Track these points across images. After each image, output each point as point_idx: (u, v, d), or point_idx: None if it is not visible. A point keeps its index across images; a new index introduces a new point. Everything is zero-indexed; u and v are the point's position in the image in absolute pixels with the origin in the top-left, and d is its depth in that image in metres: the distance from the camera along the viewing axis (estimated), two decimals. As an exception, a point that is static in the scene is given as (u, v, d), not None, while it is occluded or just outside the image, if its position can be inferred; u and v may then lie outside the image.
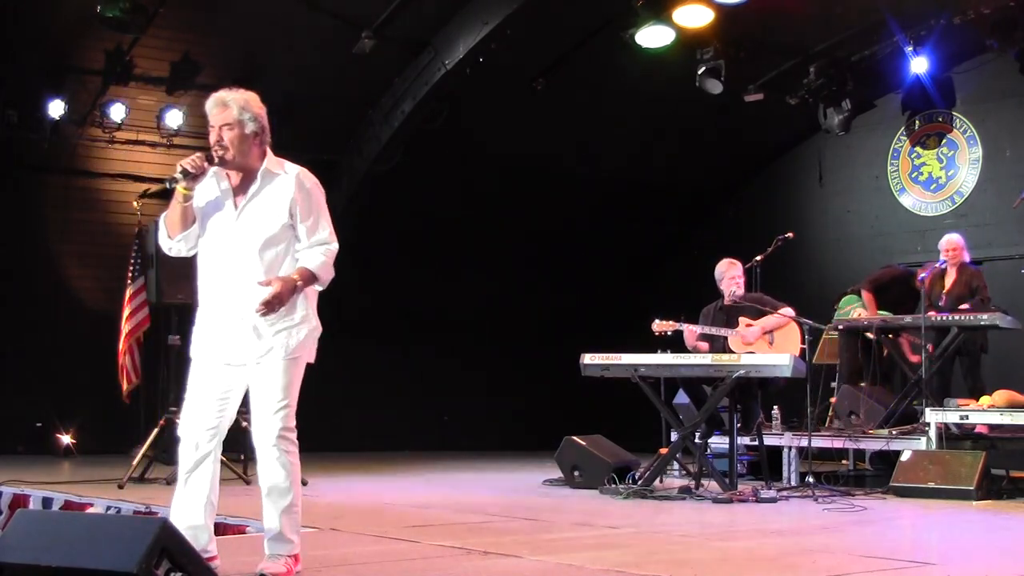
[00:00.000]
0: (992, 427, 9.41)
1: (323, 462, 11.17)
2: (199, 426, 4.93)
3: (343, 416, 13.62)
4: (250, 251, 4.82)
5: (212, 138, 4.81)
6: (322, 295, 14.80)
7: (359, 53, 11.74)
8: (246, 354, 4.86)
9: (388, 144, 13.06)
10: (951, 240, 10.57)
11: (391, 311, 14.03)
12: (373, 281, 13.81)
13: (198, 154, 4.78)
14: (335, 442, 13.19)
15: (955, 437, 9.27)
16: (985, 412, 9.09)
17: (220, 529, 6.55)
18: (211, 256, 4.89)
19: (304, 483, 8.98)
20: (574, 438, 9.38)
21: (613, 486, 8.65)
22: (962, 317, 9.69)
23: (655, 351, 8.78)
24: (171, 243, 4.91)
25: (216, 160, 4.78)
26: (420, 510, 7.64)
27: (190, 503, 4.87)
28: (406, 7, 11.58)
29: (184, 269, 9.57)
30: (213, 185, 4.88)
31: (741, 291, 9.40)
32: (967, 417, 9.13)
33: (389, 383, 13.96)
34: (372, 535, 6.23)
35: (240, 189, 4.87)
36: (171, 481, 8.99)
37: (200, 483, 4.91)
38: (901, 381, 10.72)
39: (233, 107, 4.81)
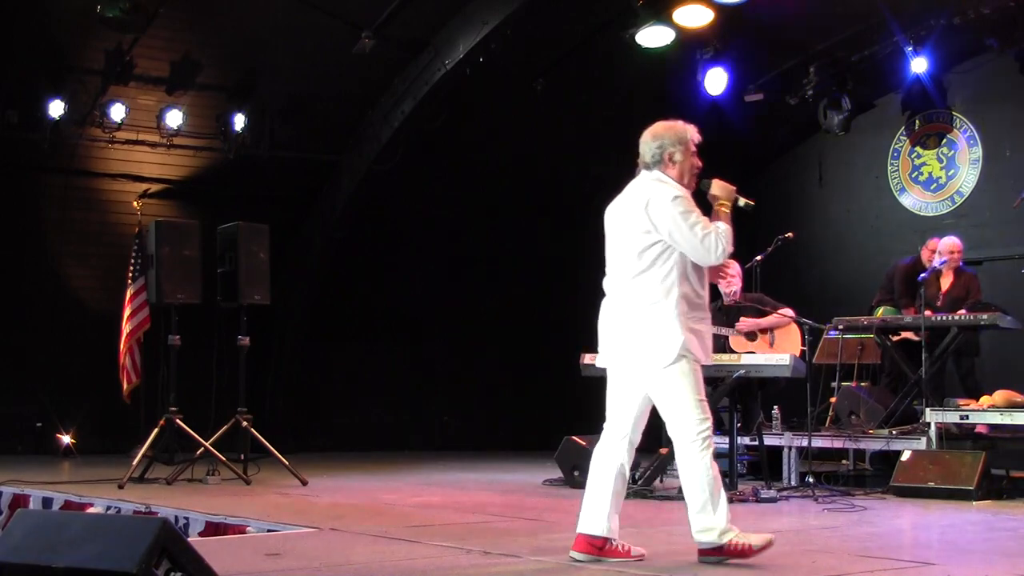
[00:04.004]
0: (992, 427, 9.42)
1: (324, 462, 11.19)
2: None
3: (343, 416, 13.65)
4: None
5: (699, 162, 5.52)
6: (325, 295, 14.80)
7: (359, 53, 11.74)
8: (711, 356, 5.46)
9: (388, 144, 13.06)
10: (955, 242, 10.58)
11: (391, 311, 14.03)
12: (373, 281, 13.82)
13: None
14: (335, 442, 13.22)
15: (955, 437, 9.27)
16: (985, 412, 9.09)
17: (221, 529, 6.56)
18: (702, 270, 5.40)
19: (304, 483, 9.05)
20: (574, 438, 9.37)
21: (613, 486, 8.62)
22: (961, 317, 9.70)
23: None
24: (730, 250, 5.39)
25: None
26: (420, 510, 7.63)
27: None
28: (406, 7, 11.58)
29: (184, 270, 9.64)
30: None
31: (737, 287, 9.40)
32: (967, 417, 9.13)
33: (389, 383, 13.97)
34: (372, 535, 6.22)
35: None
36: (171, 481, 9.02)
37: None
38: (893, 380, 10.71)
39: None
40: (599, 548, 5.35)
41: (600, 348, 5.60)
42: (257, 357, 10.45)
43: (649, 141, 5.57)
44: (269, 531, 6.40)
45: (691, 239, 5.27)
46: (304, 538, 6.14)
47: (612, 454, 5.49)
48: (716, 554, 5.25)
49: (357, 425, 13.63)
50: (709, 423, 5.30)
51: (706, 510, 5.23)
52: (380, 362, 13.90)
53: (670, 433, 5.37)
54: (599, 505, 5.40)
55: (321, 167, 13.45)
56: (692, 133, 5.53)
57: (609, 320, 5.55)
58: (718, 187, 5.58)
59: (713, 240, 5.28)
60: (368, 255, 13.80)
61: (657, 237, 5.31)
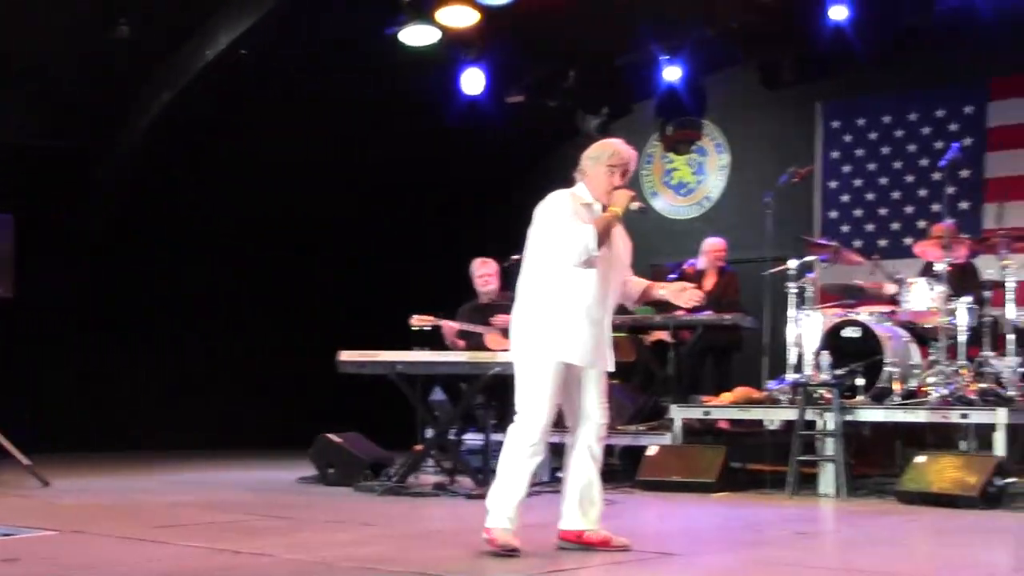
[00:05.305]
0: (732, 422, 9.88)
1: (72, 463, 10.82)
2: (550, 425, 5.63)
3: (94, 414, 13.21)
4: (618, 273, 5.79)
5: (620, 180, 5.77)
6: (78, 288, 14.22)
7: (117, 39, 11.38)
8: (601, 361, 5.65)
9: (146, 134, 12.73)
10: (717, 243, 11.06)
11: (147, 305, 13.67)
12: (128, 274, 13.45)
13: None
14: (81, 442, 12.77)
15: (698, 432, 9.70)
16: (725, 408, 9.53)
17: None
18: (593, 273, 5.57)
19: (46, 483, 8.73)
20: (328, 435, 9.36)
21: (367, 483, 8.67)
22: (706, 316, 10.14)
23: (411, 348, 8.86)
24: (596, 253, 5.51)
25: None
26: (170, 510, 7.49)
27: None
28: (169, -6, 11.32)
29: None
30: (592, 213, 5.69)
31: (493, 287, 9.65)
32: (709, 413, 9.56)
33: (144, 380, 13.61)
34: (118, 537, 6.07)
35: None
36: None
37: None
38: (646, 378, 11.08)
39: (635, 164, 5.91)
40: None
41: None
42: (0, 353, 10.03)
43: None
44: (6, 535, 6.16)
45: (557, 240, 5.59)
46: (44, 542, 5.94)
47: (569, 447, 5.75)
48: (486, 533, 5.50)
49: (108, 424, 13.20)
50: (536, 424, 5.52)
51: (493, 495, 5.54)
52: (135, 359, 13.51)
53: None
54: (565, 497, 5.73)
55: (75, 156, 12.98)
56: (611, 151, 5.82)
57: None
58: (614, 196, 5.76)
59: (570, 242, 5.53)
60: (124, 247, 13.40)
61: (540, 237, 5.69)
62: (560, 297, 5.58)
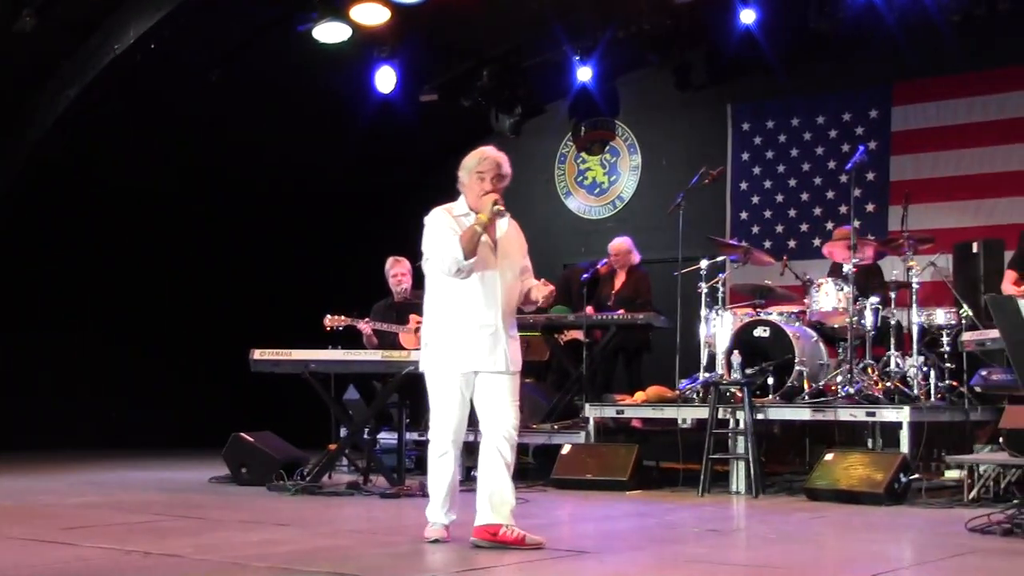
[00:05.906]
0: (645, 421, 9.97)
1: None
2: (460, 430, 5.88)
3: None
4: (512, 273, 5.87)
5: (492, 185, 5.86)
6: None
7: (20, 32, 11.15)
8: (496, 363, 5.72)
9: (53, 129, 12.48)
10: (618, 243, 11.16)
11: (57, 300, 13.43)
12: (37, 269, 13.21)
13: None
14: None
15: (611, 431, 9.78)
16: (638, 407, 9.62)
17: None
18: (475, 279, 5.73)
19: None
20: (242, 434, 9.28)
21: (281, 483, 8.62)
22: (619, 316, 10.23)
23: (327, 347, 8.82)
24: (466, 264, 5.66)
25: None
26: (79, 511, 7.37)
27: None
28: (75, -14, 11.12)
29: None
30: (468, 223, 5.76)
31: (406, 285, 9.65)
32: (622, 412, 9.64)
33: (52, 376, 13.36)
34: (24, 539, 5.95)
35: (491, 228, 5.83)
36: None
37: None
38: (560, 377, 11.15)
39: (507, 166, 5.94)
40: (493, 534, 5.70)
41: None
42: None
43: None
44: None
45: (429, 253, 5.82)
46: (-51, 544, 5.82)
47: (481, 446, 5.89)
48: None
49: (13, 421, 12.94)
50: (442, 432, 5.79)
51: (430, 503, 5.91)
52: (44, 353, 13.25)
53: None
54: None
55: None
56: (478, 157, 5.94)
57: None
58: (480, 203, 5.86)
59: (439, 256, 5.74)
60: (33, 242, 13.15)
61: (424, 254, 5.89)
62: (447, 308, 5.78)
